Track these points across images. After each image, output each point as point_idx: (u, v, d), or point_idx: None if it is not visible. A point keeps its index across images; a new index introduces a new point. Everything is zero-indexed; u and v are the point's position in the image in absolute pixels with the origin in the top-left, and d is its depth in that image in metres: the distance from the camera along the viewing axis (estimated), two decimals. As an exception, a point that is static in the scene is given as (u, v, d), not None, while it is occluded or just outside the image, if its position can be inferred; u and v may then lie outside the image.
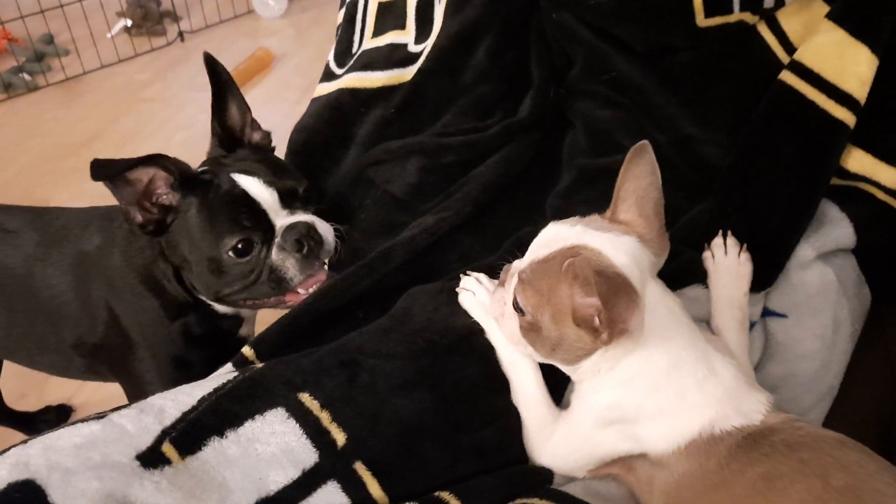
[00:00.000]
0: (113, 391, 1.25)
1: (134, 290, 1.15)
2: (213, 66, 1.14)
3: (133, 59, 3.28)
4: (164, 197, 1.06)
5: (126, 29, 3.41)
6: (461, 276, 1.02)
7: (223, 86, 1.15)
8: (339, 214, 1.22)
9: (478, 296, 0.98)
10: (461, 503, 0.85)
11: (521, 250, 0.92)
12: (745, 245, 1.03)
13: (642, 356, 0.83)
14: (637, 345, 0.82)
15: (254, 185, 1.07)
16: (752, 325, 1.05)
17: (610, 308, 0.75)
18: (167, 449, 0.84)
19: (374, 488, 0.86)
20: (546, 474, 0.92)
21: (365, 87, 1.39)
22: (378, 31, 1.47)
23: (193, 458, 0.85)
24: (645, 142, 0.89)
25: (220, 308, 1.18)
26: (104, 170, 0.98)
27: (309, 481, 0.86)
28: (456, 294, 1.01)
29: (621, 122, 1.27)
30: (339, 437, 0.88)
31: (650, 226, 0.87)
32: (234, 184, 1.07)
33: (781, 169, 1.13)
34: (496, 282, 0.96)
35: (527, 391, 0.94)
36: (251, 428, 0.88)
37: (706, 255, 1.04)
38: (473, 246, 1.18)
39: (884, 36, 1.11)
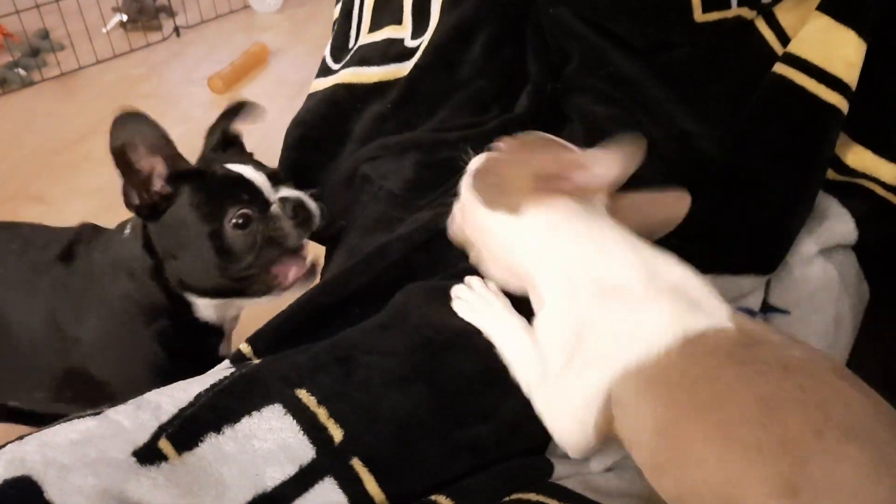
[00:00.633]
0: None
1: (104, 305, 1.16)
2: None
3: (128, 55, 3.26)
4: (160, 187, 1.10)
5: (121, 24, 3.39)
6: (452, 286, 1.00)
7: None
8: (335, 210, 1.22)
9: (470, 303, 0.97)
10: None
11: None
12: None
13: (568, 252, 0.84)
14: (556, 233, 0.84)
15: (246, 169, 1.14)
16: (752, 316, 1.05)
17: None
18: (164, 445, 0.84)
19: (371, 485, 0.86)
20: (545, 468, 0.91)
21: (361, 83, 1.39)
22: (374, 26, 1.46)
23: (190, 455, 0.84)
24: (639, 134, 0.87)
25: (204, 312, 1.18)
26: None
27: (306, 477, 0.85)
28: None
29: (618, 118, 1.27)
30: (337, 434, 0.88)
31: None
32: (227, 170, 1.13)
33: (775, 152, 1.13)
34: (490, 285, 0.96)
35: (521, 364, 0.90)
36: (248, 424, 0.87)
37: None
38: (470, 242, 1.18)
39: (869, 18, 1.11)
